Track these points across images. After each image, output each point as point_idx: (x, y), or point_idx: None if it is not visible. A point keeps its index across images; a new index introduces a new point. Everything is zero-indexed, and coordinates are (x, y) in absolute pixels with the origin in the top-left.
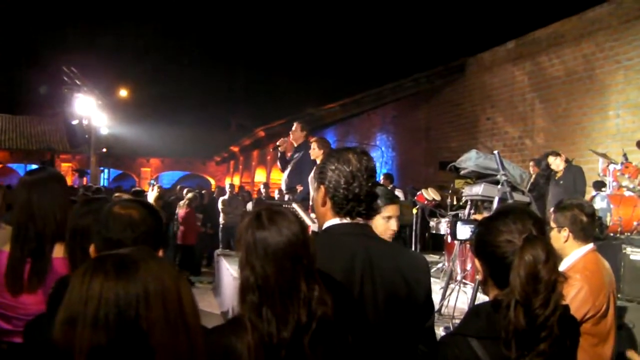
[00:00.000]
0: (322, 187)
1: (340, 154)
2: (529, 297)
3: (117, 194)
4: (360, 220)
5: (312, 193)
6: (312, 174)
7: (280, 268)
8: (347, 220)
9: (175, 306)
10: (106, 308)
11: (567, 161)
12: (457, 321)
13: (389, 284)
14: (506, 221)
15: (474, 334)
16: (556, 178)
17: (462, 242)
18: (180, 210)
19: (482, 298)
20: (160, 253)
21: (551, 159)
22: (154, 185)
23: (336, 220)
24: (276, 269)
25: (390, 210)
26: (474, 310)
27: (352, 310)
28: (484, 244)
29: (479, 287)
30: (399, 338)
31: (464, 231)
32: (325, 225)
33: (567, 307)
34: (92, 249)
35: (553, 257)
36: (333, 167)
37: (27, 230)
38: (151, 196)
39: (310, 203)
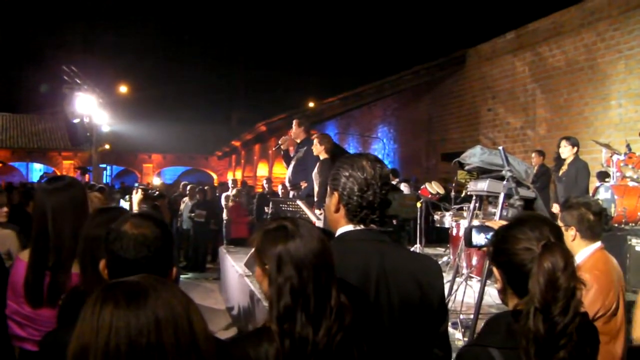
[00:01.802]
0: (335, 193)
1: (354, 160)
2: (548, 305)
3: (94, 193)
4: (373, 226)
5: (316, 189)
6: (315, 169)
7: (316, 275)
8: (360, 227)
9: (187, 333)
10: (117, 338)
11: (576, 155)
12: (464, 316)
13: (404, 289)
14: (523, 229)
15: (495, 344)
16: (560, 173)
17: (479, 248)
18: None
19: (489, 292)
20: (174, 271)
21: (563, 143)
22: (137, 188)
23: (350, 227)
24: (313, 277)
25: None
26: (494, 319)
27: (369, 317)
28: (502, 252)
29: (486, 281)
30: (414, 343)
31: (479, 238)
32: (339, 231)
33: (585, 314)
34: (102, 265)
35: (572, 263)
36: (347, 174)
37: (47, 242)
38: (135, 199)
39: (315, 199)
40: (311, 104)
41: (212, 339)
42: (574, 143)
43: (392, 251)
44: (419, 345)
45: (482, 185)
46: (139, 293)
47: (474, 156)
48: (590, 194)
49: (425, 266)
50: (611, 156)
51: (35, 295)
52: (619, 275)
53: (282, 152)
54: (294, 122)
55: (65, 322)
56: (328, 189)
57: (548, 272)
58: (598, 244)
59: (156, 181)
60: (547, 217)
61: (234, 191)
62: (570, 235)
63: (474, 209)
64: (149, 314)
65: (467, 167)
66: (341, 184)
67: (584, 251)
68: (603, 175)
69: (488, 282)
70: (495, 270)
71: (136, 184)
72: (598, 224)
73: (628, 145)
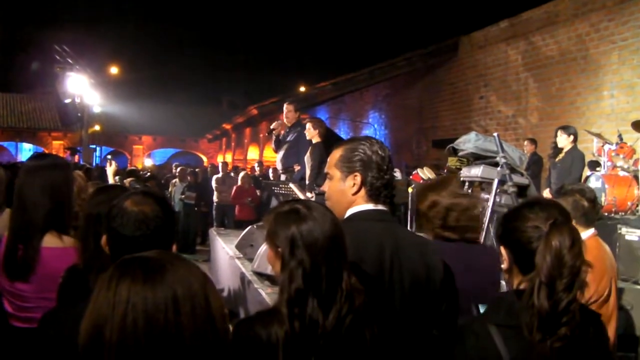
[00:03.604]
0: (357, 175)
1: (368, 143)
2: (553, 280)
3: (76, 171)
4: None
5: (307, 172)
6: (307, 153)
7: (328, 258)
8: (380, 207)
9: (204, 311)
10: (134, 313)
11: (574, 144)
12: None
13: (413, 270)
14: (533, 209)
15: (494, 322)
16: (556, 160)
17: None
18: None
19: None
20: (174, 248)
21: (559, 133)
22: (110, 161)
23: (370, 206)
24: (325, 260)
25: None
26: (498, 298)
27: (382, 298)
28: (510, 231)
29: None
30: (419, 323)
31: None
32: (354, 209)
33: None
34: (103, 241)
35: (579, 243)
36: (369, 154)
37: (18, 217)
38: (110, 171)
39: (307, 182)
40: (302, 89)
41: (227, 316)
42: (571, 132)
43: (401, 231)
44: (422, 325)
45: (476, 171)
46: (156, 269)
47: (469, 142)
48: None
49: (428, 247)
50: (602, 146)
51: (8, 268)
52: (611, 262)
53: (273, 137)
54: (290, 106)
55: (65, 300)
56: (339, 172)
57: (555, 250)
58: (592, 230)
59: (147, 162)
60: (556, 201)
61: (242, 173)
62: None
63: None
64: (166, 290)
65: (460, 153)
66: (362, 165)
67: None
68: (594, 165)
69: None
70: (502, 249)
71: (109, 157)
72: (592, 210)
73: (620, 135)
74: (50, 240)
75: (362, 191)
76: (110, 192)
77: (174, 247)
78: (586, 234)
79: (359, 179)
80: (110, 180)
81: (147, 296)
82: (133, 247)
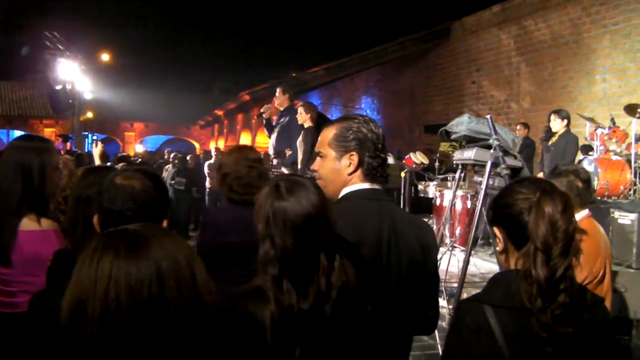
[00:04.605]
0: (354, 154)
1: (362, 120)
2: (549, 246)
3: (66, 156)
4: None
5: (300, 156)
6: (299, 137)
7: (299, 239)
8: (376, 186)
9: (190, 285)
10: (117, 288)
11: (567, 128)
12: (448, 285)
13: (410, 251)
14: (523, 183)
15: (490, 302)
16: (549, 144)
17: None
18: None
19: (473, 262)
20: (165, 224)
21: (552, 117)
22: (96, 142)
23: (366, 185)
24: (295, 241)
25: None
26: (495, 278)
27: (379, 279)
28: (501, 207)
29: (471, 251)
30: (415, 303)
31: None
32: (352, 188)
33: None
34: (95, 220)
35: (570, 207)
36: (365, 131)
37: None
38: (96, 152)
39: (299, 166)
40: (294, 75)
41: (214, 291)
42: (564, 116)
43: (397, 211)
44: (417, 305)
45: (469, 154)
46: (140, 242)
47: (462, 124)
48: None
49: (424, 228)
50: (595, 130)
51: None
52: (605, 243)
53: (264, 121)
54: (278, 89)
55: (54, 283)
56: (333, 152)
57: (548, 215)
58: (586, 211)
59: (139, 149)
60: (544, 179)
61: None
62: None
63: (459, 178)
64: (150, 264)
65: (453, 136)
66: (358, 144)
67: None
68: (586, 149)
69: (472, 251)
70: (496, 230)
71: (94, 138)
72: (586, 191)
73: (612, 119)
74: (27, 224)
75: (359, 171)
76: (99, 173)
77: (165, 223)
78: (580, 215)
79: (355, 158)
80: (97, 162)
81: (130, 271)
82: (122, 221)
